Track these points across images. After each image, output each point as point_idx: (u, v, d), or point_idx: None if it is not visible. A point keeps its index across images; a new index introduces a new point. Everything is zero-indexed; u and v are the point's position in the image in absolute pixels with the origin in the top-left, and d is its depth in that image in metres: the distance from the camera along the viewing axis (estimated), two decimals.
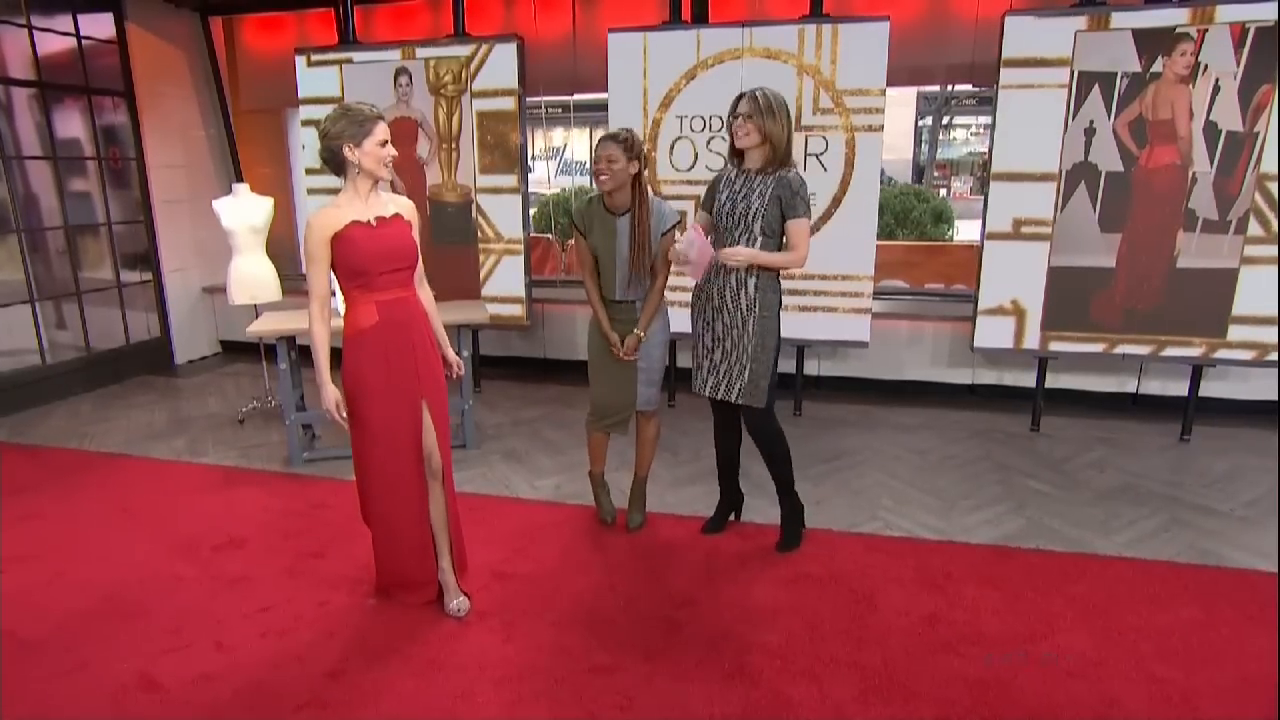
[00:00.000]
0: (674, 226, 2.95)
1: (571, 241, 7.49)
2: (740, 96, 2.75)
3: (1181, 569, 2.92)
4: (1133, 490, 3.63)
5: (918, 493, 3.63)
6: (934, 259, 6.92)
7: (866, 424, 4.54)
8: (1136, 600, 2.72)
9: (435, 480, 2.58)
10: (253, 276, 4.61)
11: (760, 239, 2.78)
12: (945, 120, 17.43)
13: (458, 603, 2.65)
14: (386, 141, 2.35)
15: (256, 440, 4.41)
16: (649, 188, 2.99)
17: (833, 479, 3.77)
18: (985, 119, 18.36)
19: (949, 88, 13.72)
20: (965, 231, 9.23)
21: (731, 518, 3.31)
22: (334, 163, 2.37)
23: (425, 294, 2.60)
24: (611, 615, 2.66)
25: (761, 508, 3.35)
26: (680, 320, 3.43)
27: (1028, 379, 4.77)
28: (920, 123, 15.59)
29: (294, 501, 3.59)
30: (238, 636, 2.57)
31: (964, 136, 19.46)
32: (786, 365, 4.30)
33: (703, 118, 4.42)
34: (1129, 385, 4.74)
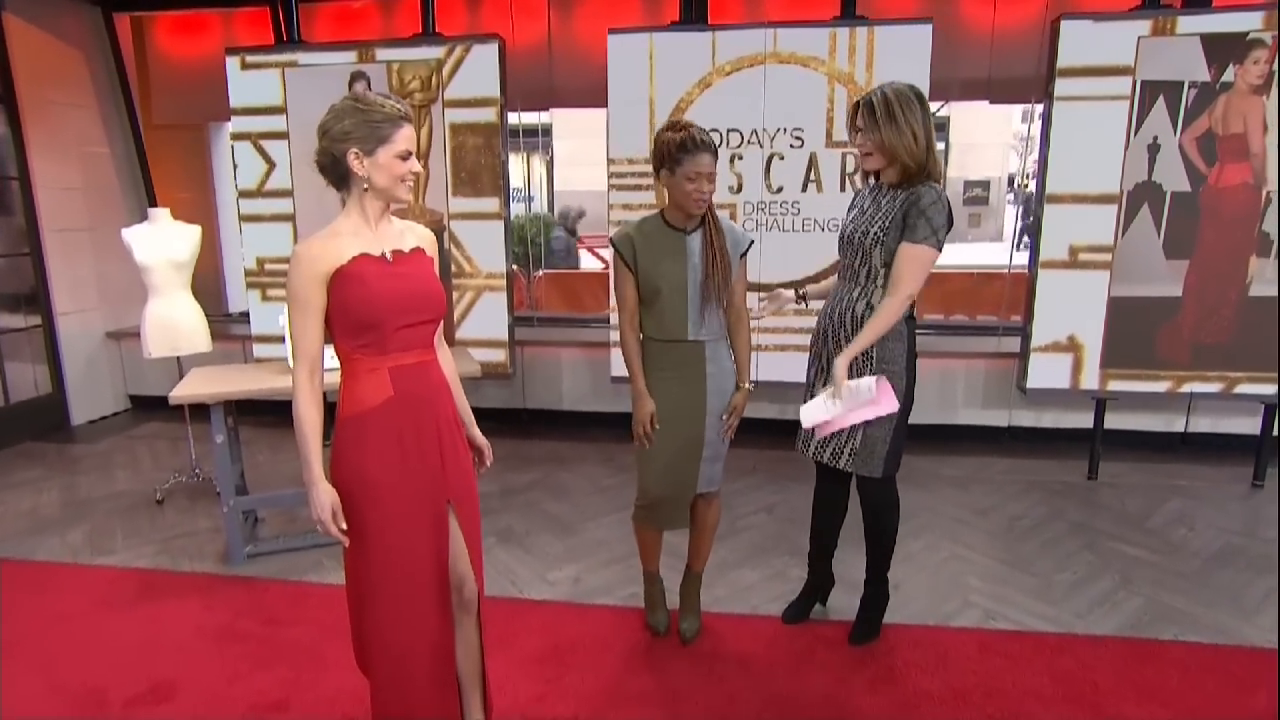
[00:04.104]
0: (749, 248, 2.37)
1: (540, 273, 6.81)
2: (856, 105, 2.18)
3: None
4: (1241, 553, 3.17)
5: (1003, 567, 3.09)
6: (932, 288, 6.54)
7: (910, 477, 3.99)
8: None
9: (467, 615, 1.86)
10: (175, 323, 3.72)
11: (882, 273, 2.20)
12: None
13: None
14: (410, 154, 1.66)
15: (181, 528, 3.51)
16: None
17: (900, 552, 3.11)
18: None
19: None
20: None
21: (817, 605, 2.73)
22: (334, 173, 1.66)
23: (444, 356, 1.88)
24: None
25: (840, 603, 2.73)
26: None
27: (1069, 419, 4.37)
28: None
29: (239, 618, 2.75)
30: None
31: None
32: None
33: (719, 132, 3.84)
34: (1176, 424, 4.36)
